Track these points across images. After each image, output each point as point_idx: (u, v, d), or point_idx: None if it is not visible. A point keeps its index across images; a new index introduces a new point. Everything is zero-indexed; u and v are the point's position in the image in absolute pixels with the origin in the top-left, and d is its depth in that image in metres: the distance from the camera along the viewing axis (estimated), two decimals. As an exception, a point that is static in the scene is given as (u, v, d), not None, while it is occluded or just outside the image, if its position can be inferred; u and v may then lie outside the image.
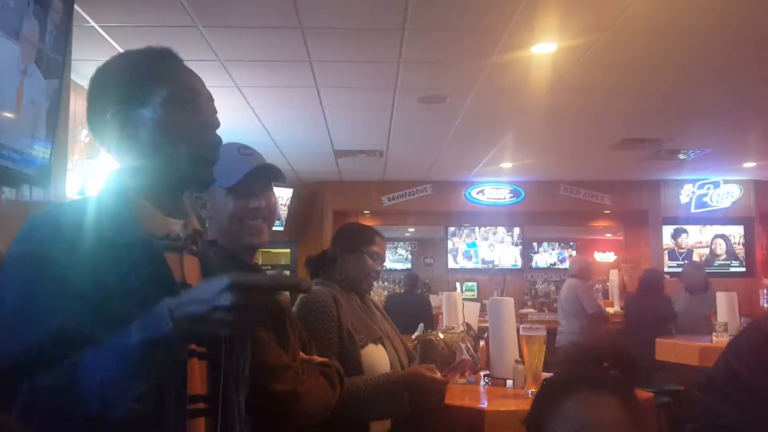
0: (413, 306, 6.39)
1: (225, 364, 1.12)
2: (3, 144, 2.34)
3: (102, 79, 1.17)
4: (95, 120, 1.16)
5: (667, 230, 8.56)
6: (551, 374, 1.35)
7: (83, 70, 4.04)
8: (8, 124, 2.39)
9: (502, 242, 9.52)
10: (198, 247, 1.18)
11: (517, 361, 2.61)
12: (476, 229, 9.46)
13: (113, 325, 0.94)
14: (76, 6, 2.97)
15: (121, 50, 3.97)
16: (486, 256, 9.47)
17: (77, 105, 4.07)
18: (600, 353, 1.24)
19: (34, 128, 2.57)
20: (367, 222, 8.58)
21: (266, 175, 1.59)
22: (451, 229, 9.51)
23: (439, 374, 2.03)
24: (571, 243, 11.79)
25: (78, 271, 0.98)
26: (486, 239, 9.50)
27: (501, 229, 9.47)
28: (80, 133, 4.18)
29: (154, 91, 1.12)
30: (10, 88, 2.40)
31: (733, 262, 8.53)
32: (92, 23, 3.38)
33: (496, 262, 9.41)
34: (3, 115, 2.36)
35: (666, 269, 8.12)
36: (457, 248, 9.51)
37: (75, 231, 1.02)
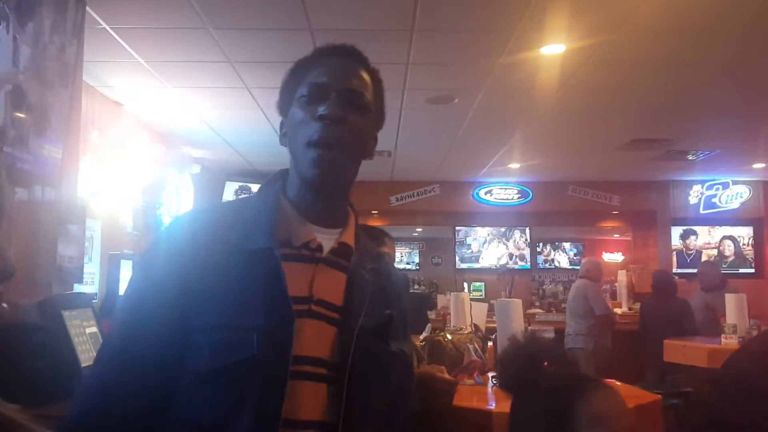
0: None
1: (348, 387, 1.03)
2: (16, 144, 2.36)
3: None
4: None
5: (676, 231, 8.53)
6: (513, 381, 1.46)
7: (95, 72, 4.08)
8: (20, 125, 2.41)
9: (510, 242, 9.52)
10: (351, 262, 1.11)
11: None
12: (479, 229, 9.45)
13: (219, 331, 0.97)
14: (88, 8, 3.00)
15: (132, 52, 3.99)
16: (493, 257, 9.46)
17: (88, 106, 4.10)
18: (539, 356, 1.36)
19: (46, 129, 2.59)
20: (375, 222, 8.60)
21: None
22: (459, 231, 9.50)
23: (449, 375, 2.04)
24: (581, 242, 11.80)
25: (190, 281, 1.00)
26: (494, 240, 9.49)
27: (509, 230, 9.47)
28: (91, 134, 4.21)
29: (298, 91, 1.12)
30: (22, 90, 2.42)
31: (741, 263, 8.49)
32: (104, 25, 3.40)
33: (503, 263, 9.40)
34: (15, 116, 2.39)
35: (675, 270, 8.08)
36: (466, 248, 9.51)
37: (201, 236, 1.04)
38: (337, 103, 1.06)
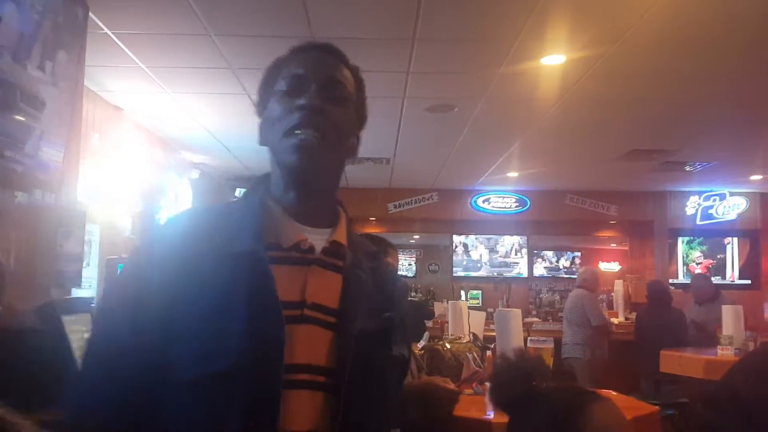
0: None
1: (345, 396, 0.97)
2: (16, 148, 2.36)
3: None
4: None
5: (673, 241, 8.54)
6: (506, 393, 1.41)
7: (96, 76, 4.08)
8: (21, 129, 2.41)
9: (507, 251, 9.52)
10: (345, 262, 1.05)
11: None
12: (477, 237, 9.46)
13: (200, 338, 0.92)
14: (90, 13, 3.00)
15: (134, 57, 3.99)
16: (491, 264, 9.46)
17: (89, 110, 4.10)
18: (530, 374, 1.33)
19: (46, 133, 2.59)
20: (373, 229, 8.61)
21: None
22: (457, 238, 9.50)
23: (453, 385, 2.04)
24: (577, 252, 11.81)
25: (174, 284, 0.95)
26: (491, 248, 9.49)
27: (506, 238, 9.47)
28: (91, 138, 4.21)
29: (276, 86, 1.09)
30: (24, 94, 2.42)
31: (738, 275, 8.50)
32: (106, 30, 3.40)
33: (500, 271, 9.39)
34: (16, 120, 2.39)
35: (670, 281, 8.09)
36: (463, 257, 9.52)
37: (187, 241, 0.99)
38: (316, 94, 1.03)
